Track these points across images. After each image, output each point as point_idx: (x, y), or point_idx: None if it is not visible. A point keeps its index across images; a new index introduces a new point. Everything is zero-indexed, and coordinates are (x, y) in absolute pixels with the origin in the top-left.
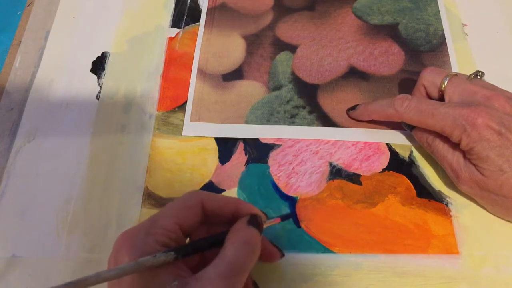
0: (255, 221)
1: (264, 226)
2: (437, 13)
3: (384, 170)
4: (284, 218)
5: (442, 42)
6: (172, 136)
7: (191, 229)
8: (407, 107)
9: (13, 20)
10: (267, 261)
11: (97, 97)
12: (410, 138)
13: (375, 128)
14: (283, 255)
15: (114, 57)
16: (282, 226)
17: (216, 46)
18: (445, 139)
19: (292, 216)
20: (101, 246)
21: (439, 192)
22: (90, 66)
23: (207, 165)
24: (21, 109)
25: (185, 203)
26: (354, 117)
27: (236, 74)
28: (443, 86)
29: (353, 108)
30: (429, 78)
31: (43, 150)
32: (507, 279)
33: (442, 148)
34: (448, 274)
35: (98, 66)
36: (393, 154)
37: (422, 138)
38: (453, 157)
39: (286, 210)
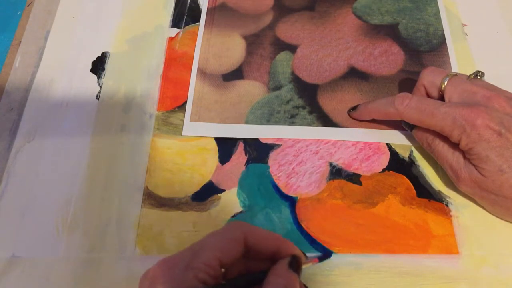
0: (295, 264)
1: (303, 267)
2: (437, 13)
3: (384, 170)
4: (322, 258)
5: (442, 42)
6: (172, 136)
7: (230, 263)
8: (407, 105)
9: (13, 20)
10: None
11: (97, 97)
12: (410, 138)
13: (375, 128)
14: None
15: (114, 57)
16: (282, 226)
17: (216, 46)
18: (445, 139)
19: (330, 255)
20: (101, 246)
21: (439, 192)
22: (90, 66)
23: (207, 165)
24: (21, 109)
25: (228, 236)
26: (355, 117)
27: (236, 74)
28: (443, 86)
29: (354, 108)
30: (429, 78)
31: (43, 150)
32: (507, 279)
33: (442, 148)
34: (448, 274)
35: (98, 66)
36: (393, 154)
37: (422, 138)
38: (453, 157)
39: (286, 210)
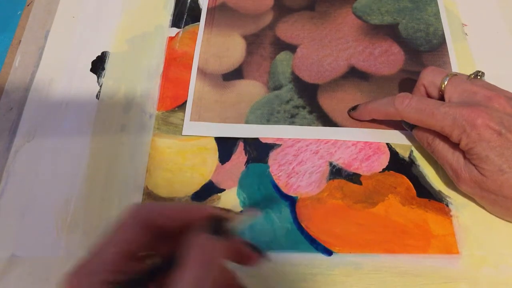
0: (213, 227)
1: (233, 224)
2: (437, 13)
3: (384, 170)
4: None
5: (442, 42)
6: (172, 135)
7: (143, 248)
8: (407, 105)
9: (13, 20)
10: (245, 265)
11: (97, 96)
12: (410, 138)
13: (375, 128)
14: (265, 256)
15: (114, 57)
16: (282, 226)
17: (216, 46)
18: (445, 138)
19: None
20: None
21: (439, 192)
22: (90, 66)
23: (207, 164)
24: (21, 108)
25: (125, 227)
26: (355, 117)
27: (236, 74)
28: (443, 86)
29: (354, 108)
30: (429, 78)
31: (43, 150)
32: (507, 279)
33: (442, 148)
34: (448, 274)
35: (98, 65)
36: (393, 154)
37: (422, 138)
38: (453, 157)
39: (286, 210)
